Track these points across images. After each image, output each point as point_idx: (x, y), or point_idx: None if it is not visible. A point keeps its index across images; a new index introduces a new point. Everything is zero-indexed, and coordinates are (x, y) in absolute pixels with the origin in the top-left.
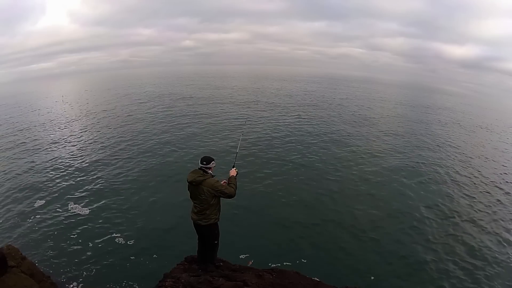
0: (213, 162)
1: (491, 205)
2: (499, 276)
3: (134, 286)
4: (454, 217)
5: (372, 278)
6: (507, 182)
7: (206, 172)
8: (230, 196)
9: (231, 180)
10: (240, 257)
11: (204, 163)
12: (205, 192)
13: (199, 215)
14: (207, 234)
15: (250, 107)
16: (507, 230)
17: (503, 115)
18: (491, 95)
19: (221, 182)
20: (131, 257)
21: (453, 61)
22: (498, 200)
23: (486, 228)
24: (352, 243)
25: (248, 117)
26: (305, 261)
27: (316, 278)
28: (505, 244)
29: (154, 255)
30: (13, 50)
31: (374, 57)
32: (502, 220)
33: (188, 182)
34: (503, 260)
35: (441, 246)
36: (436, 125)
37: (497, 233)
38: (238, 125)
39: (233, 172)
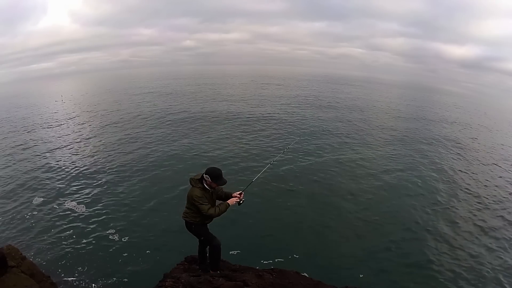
0: (207, 176)
1: (489, 202)
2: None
3: (134, 286)
4: (455, 216)
5: (361, 276)
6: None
7: (201, 181)
8: (206, 215)
9: (221, 206)
10: (231, 252)
11: (204, 173)
12: (188, 198)
13: (185, 209)
14: (189, 230)
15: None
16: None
17: (503, 115)
18: (491, 95)
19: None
20: (131, 257)
21: (453, 61)
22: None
23: (488, 227)
24: (353, 242)
25: (300, 136)
26: (302, 259)
27: (305, 274)
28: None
29: (154, 255)
30: (14, 50)
31: (374, 57)
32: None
33: None
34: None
35: (442, 244)
36: (436, 124)
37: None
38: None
39: (232, 201)
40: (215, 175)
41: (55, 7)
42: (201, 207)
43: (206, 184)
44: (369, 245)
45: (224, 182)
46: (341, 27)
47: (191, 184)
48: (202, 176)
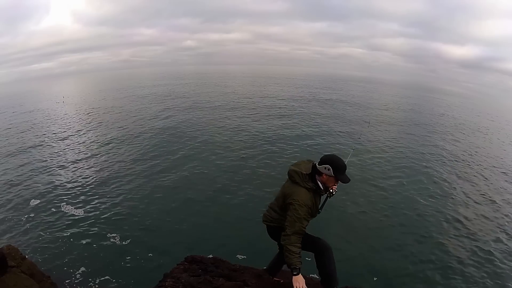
0: (327, 167)
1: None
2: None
3: (135, 286)
4: (457, 216)
5: (375, 279)
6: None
7: (313, 178)
8: (289, 232)
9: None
10: (237, 256)
11: (317, 163)
12: (281, 196)
13: (267, 211)
14: (274, 238)
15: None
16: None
17: (503, 114)
18: (491, 95)
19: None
20: (131, 257)
21: (453, 61)
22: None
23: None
24: (353, 242)
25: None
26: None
27: (315, 275)
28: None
29: (154, 255)
30: (15, 49)
31: (374, 57)
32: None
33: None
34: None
35: (444, 245)
36: (438, 123)
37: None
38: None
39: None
40: (339, 166)
41: (58, 7)
42: (296, 224)
43: (321, 181)
44: (374, 246)
45: (348, 180)
46: (341, 27)
47: (293, 181)
48: (315, 167)
